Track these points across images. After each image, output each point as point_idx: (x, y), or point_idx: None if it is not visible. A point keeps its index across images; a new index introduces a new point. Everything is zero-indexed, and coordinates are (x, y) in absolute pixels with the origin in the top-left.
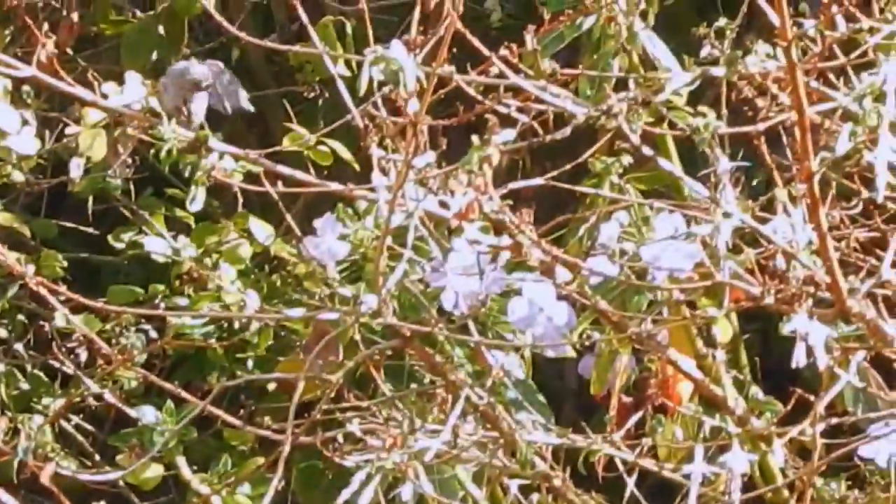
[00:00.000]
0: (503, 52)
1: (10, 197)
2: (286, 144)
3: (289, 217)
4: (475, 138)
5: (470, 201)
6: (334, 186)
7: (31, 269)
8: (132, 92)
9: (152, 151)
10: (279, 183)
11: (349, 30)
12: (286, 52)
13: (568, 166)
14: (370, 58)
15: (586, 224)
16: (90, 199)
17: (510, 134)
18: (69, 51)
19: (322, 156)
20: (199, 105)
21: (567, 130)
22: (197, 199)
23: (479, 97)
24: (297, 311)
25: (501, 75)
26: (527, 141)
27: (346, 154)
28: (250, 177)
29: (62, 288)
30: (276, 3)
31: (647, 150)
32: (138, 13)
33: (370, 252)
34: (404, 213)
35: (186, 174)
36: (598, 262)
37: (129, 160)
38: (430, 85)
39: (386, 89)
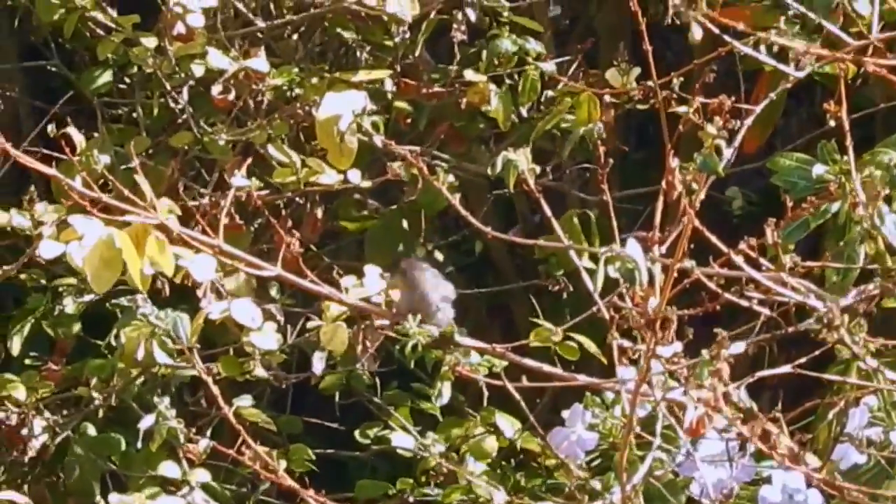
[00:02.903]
0: (743, 246)
1: (255, 392)
2: (533, 340)
3: (531, 417)
4: (704, 353)
5: (701, 416)
6: (582, 379)
7: (282, 464)
8: (372, 286)
9: (397, 347)
10: (525, 376)
11: (593, 221)
12: (528, 245)
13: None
14: (605, 256)
15: (834, 410)
16: (336, 393)
17: (740, 346)
18: (312, 246)
19: (569, 350)
20: (446, 312)
21: (810, 322)
22: (443, 394)
23: (720, 291)
24: None
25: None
26: (770, 333)
27: (593, 348)
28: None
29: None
30: (518, 195)
31: None
32: (381, 208)
33: (619, 442)
34: (651, 403)
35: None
36: (847, 450)
37: (375, 354)
38: (668, 279)
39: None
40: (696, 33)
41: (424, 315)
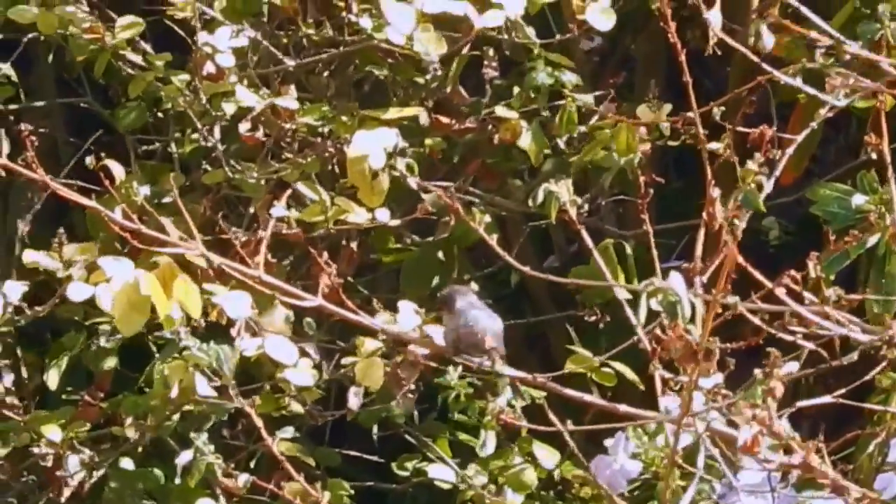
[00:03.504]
0: (786, 280)
1: (294, 425)
2: (571, 366)
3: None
4: (758, 372)
5: (755, 434)
6: (623, 408)
7: (326, 496)
8: (407, 320)
9: (440, 396)
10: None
11: (629, 252)
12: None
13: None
14: (647, 290)
15: (876, 440)
16: (374, 426)
17: (793, 366)
18: (349, 279)
19: (606, 377)
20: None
21: (854, 356)
22: (487, 444)
23: (763, 325)
24: None
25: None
26: (814, 367)
27: (631, 375)
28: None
29: None
30: (554, 226)
31: None
32: (417, 240)
33: (661, 471)
34: (693, 433)
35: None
36: (890, 479)
37: (412, 388)
38: (711, 312)
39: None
40: (768, 42)
41: (472, 348)
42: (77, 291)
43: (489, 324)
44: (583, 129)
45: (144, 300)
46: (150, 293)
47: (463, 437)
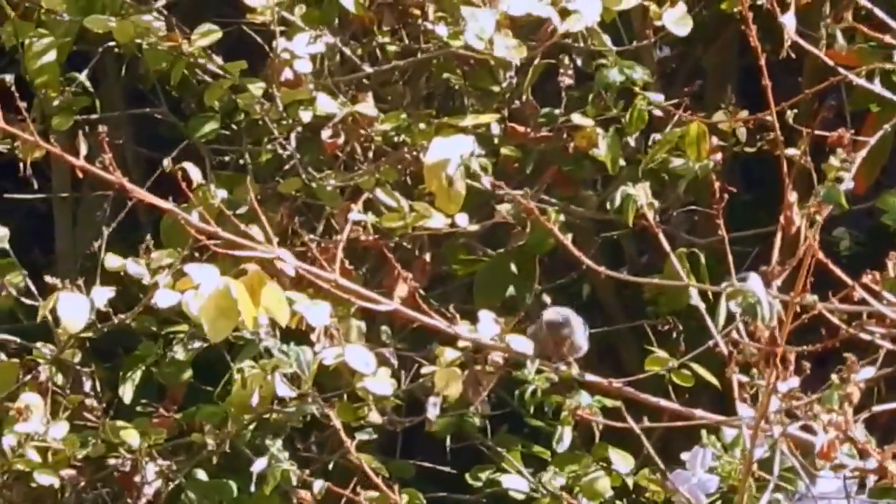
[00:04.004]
0: (865, 279)
1: (365, 435)
2: (649, 367)
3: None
4: (834, 376)
5: (832, 439)
6: (699, 413)
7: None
8: (487, 329)
9: (517, 392)
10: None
11: (702, 260)
12: (635, 287)
13: None
14: (727, 291)
15: None
16: (447, 437)
17: (869, 371)
18: (421, 291)
19: (684, 378)
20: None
21: None
22: (564, 439)
23: (842, 325)
24: None
25: (863, 302)
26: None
27: (709, 376)
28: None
29: None
30: (626, 237)
31: None
32: (489, 251)
33: (737, 483)
34: (769, 437)
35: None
36: None
37: (488, 398)
38: (789, 314)
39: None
40: (841, 46)
41: (556, 349)
42: (164, 298)
43: (576, 324)
44: (658, 136)
45: (233, 306)
46: (240, 298)
47: (536, 448)
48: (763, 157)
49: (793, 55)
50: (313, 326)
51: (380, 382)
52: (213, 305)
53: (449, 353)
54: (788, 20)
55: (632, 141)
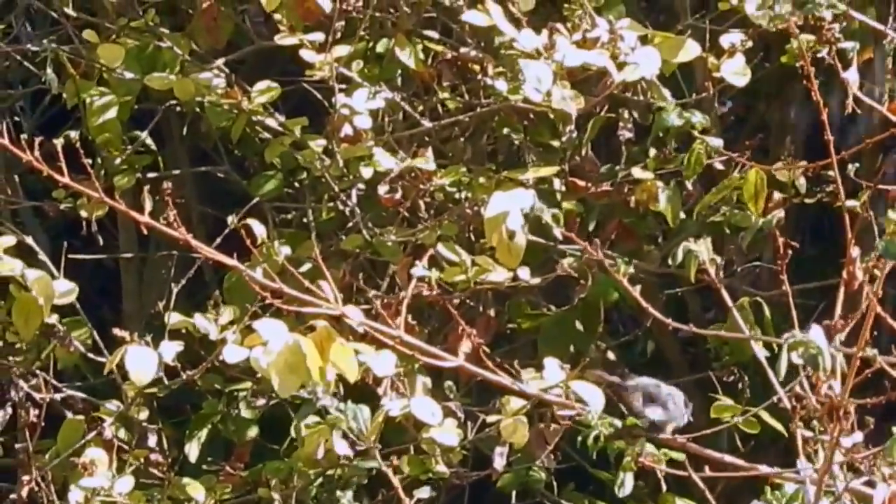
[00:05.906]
0: None
1: (432, 492)
2: (715, 414)
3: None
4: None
5: (892, 493)
6: (762, 469)
7: None
8: (553, 375)
9: (579, 438)
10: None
11: (767, 313)
12: (701, 341)
13: None
14: (788, 342)
15: None
16: (513, 493)
17: None
18: (485, 348)
19: (751, 425)
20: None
21: None
22: (626, 485)
23: None
24: None
25: None
26: None
27: (776, 424)
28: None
29: None
30: (691, 293)
31: None
32: (552, 308)
33: None
34: (831, 494)
35: (613, 459)
36: None
37: (553, 453)
38: (852, 367)
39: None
40: None
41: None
42: (233, 354)
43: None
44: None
45: (301, 362)
46: (308, 355)
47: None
48: (831, 211)
49: (857, 110)
50: (379, 380)
51: (446, 433)
52: (282, 361)
53: (515, 402)
54: (851, 76)
55: (689, 185)
